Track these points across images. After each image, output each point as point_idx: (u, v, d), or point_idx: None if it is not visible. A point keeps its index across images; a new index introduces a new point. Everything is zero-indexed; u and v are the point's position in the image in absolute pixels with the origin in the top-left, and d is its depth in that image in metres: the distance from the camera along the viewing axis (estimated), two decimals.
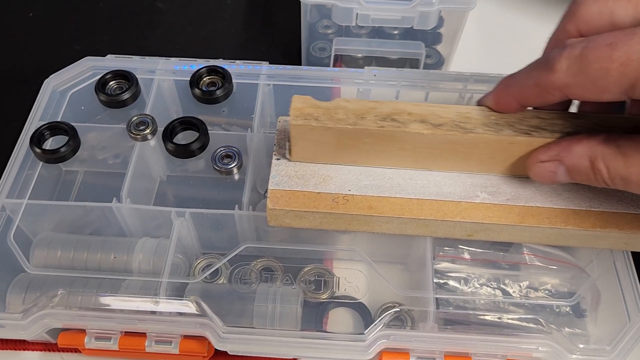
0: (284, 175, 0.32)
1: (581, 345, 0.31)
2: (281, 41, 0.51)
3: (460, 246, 0.35)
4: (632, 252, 0.33)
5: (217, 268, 0.34)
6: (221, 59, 0.42)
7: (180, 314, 0.32)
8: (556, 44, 0.29)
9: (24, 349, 0.35)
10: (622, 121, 0.30)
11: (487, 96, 0.31)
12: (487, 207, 0.31)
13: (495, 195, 0.32)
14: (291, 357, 0.34)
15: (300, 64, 0.48)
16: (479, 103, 0.31)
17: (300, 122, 0.30)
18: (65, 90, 0.40)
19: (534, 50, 0.52)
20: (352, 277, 0.35)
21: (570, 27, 0.28)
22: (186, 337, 0.32)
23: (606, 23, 0.27)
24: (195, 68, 0.40)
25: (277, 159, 0.33)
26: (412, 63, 0.46)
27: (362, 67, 0.41)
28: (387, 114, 0.30)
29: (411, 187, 0.32)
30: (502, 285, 0.34)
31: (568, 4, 0.28)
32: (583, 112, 0.31)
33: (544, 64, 0.26)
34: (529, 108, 0.31)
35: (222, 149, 0.37)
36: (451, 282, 0.34)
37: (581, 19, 0.27)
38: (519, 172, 0.32)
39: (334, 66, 0.47)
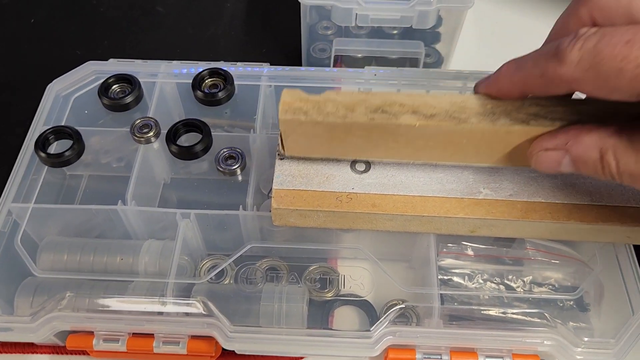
0: (288, 175, 0.32)
1: (586, 339, 0.31)
2: (281, 43, 0.51)
3: (464, 242, 0.35)
4: (635, 246, 0.34)
5: (223, 269, 0.35)
6: (222, 61, 0.42)
7: (188, 314, 0.32)
8: (565, 28, 0.27)
9: (33, 352, 0.35)
10: (627, 107, 0.27)
11: (486, 81, 0.29)
12: (490, 203, 0.32)
13: (498, 191, 0.32)
14: (298, 355, 0.34)
15: (300, 65, 0.48)
16: (477, 88, 0.30)
17: (288, 116, 0.29)
18: (68, 94, 0.41)
19: (531, 47, 0.53)
20: (357, 275, 0.36)
21: (583, 12, 0.26)
22: (194, 337, 0.32)
23: (623, 13, 0.25)
24: (197, 71, 0.40)
25: (281, 159, 0.33)
26: (412, 62, 0.47)
27: (362, 67, 0.42)
28: (377, 105, 0.29)
29: (414, 185, 0.32)
30: (505, 281, 0.34)
31: None
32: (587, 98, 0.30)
33: (553, 53, 0.25)
34: None
35: (225, 150, 0.37)
36: (455, 279, 0.34)
37: (596, 4, 0.25)
38: (519, 163, 0.30)
39: (334, 67, 0.47)
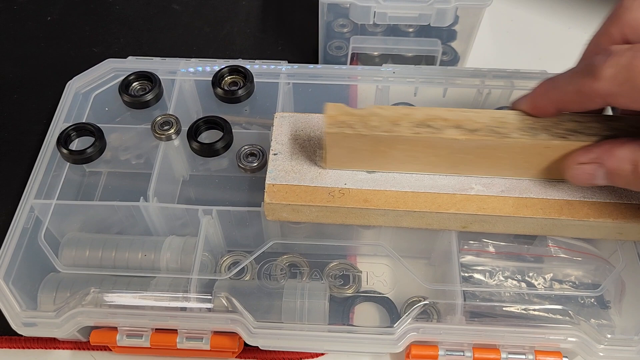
0: (281, 170, 0.33)
1: (609, 336, 0.31)
2: (297, 40, 0.51)
3: (485, 239, 0.35)
4: None
5: (244, 265, 0.35)
6: (240, 59, 0.42)
7: (211, 310, 0.32)
8: (597, 47, 0.28)
9: (55, 348, 0.35)
10: None
11: (523, 99, 0.31)
12: (482, 199, 0.32)
13: (490, 187, 0.32)
14: (321, 351, 0.34)
15: (317, 63, 0.48)
16: (514, 106, 0.31)
17: (334, 129, 0.30)
18: (88, 92, 0.41)
19: (547, 45, 0.53)
20: (379, 272, 0.36)
21: (614, 31, 0.27)
22: (217, 333, 0.32)
23: None
24: (216, 68, 0.41)
25: (274, 154, 0.33)
26: (428, 60, 0.47)
27: (379, 65, 0.42)
28: (421, 120, 0.30)
29: (406, 180, 0.33)
30: (526, 278, 0.34)
31: (613, 5, 0.28)
32: (620, 114, 0.31)
33: (587, 70, 0.26)
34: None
35: (246, 147, 0.37)
36: (476, 275, 0.34)
37: (627, 23, 0.27)
38: (553, 176, 0.32)
39: (350, 64, 0.47)
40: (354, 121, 0.30)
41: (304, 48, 0.50)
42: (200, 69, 0.41)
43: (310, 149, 0.34)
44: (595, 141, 0.29)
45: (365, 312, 0.35)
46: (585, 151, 0.29)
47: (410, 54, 0.47)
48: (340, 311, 0.35)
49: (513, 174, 0.32)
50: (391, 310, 0.35)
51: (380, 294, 0.35)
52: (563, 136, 0.29)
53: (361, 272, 0.36)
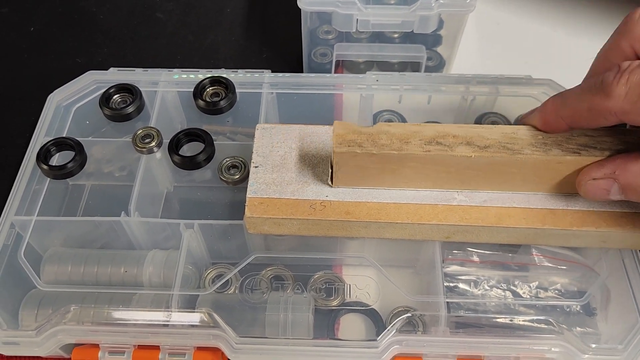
0: (262, 183, 0.32)
1: (593, 345, 0.31)
2: (282, 48, 0.51)
3: (469, 249, 0.35)
4: None
5: (228, 278, 0.34)
6: (223, 69, 0.42)
7: (193, 326, 0.32)
8: (607, 62, 0.28)
9: None
10: None
11: (534, 115, 0.30)
12: (464, 209, 0.32)
13: (472, 197, 0.32)
14: None
15: (301, 70, 0.48)
16: (524, 121, 0.31)
17: (344, 149, 0.30)
18: (69, 105, 0.40)
19: (533, 49, 0.53)
20: (363, 284, 0.35)
21: (624, 45, 0.27)
22: (199, 348, 0.32)
23: None
24: (199, 78, 0.40)
25: (255, 167, 0.33)
26: (414, 66, 0.46)
27: (364, 72, 0.42)
28: (431, 137, 0.30)
29: (387, 192, 0.32)
30: (511, 287, 0.34)
31: (622, 20, 0.28)
32: (630, 128, 0.31)
33: (599, 87, 0.25)
34: None
35: (227, 159, 0.37)
36: (461, 285, 0.34)
37: (637, 37, 0.26)
38: (566, 190, 0.31)
39: (335, 71, 0.47)
40: (363, 140, 0.30)
41: (288, 55, 0.50)
42: (180, 77, 0.41)
43: (292, 160, 0.33)
44: (607, 156, 0.29)
45: (351, 324, 0.35)
46: (598, 166, 0.29)
47: (395, 61, 0.46)
48: (326, 323, 0.34)
49: (525, 190, 0.32)
50: (377, 322, 0.35)
51: (365, 305, 0.35)
52: (576, 151, 0.29)
53: (346, 283, 0.35)
